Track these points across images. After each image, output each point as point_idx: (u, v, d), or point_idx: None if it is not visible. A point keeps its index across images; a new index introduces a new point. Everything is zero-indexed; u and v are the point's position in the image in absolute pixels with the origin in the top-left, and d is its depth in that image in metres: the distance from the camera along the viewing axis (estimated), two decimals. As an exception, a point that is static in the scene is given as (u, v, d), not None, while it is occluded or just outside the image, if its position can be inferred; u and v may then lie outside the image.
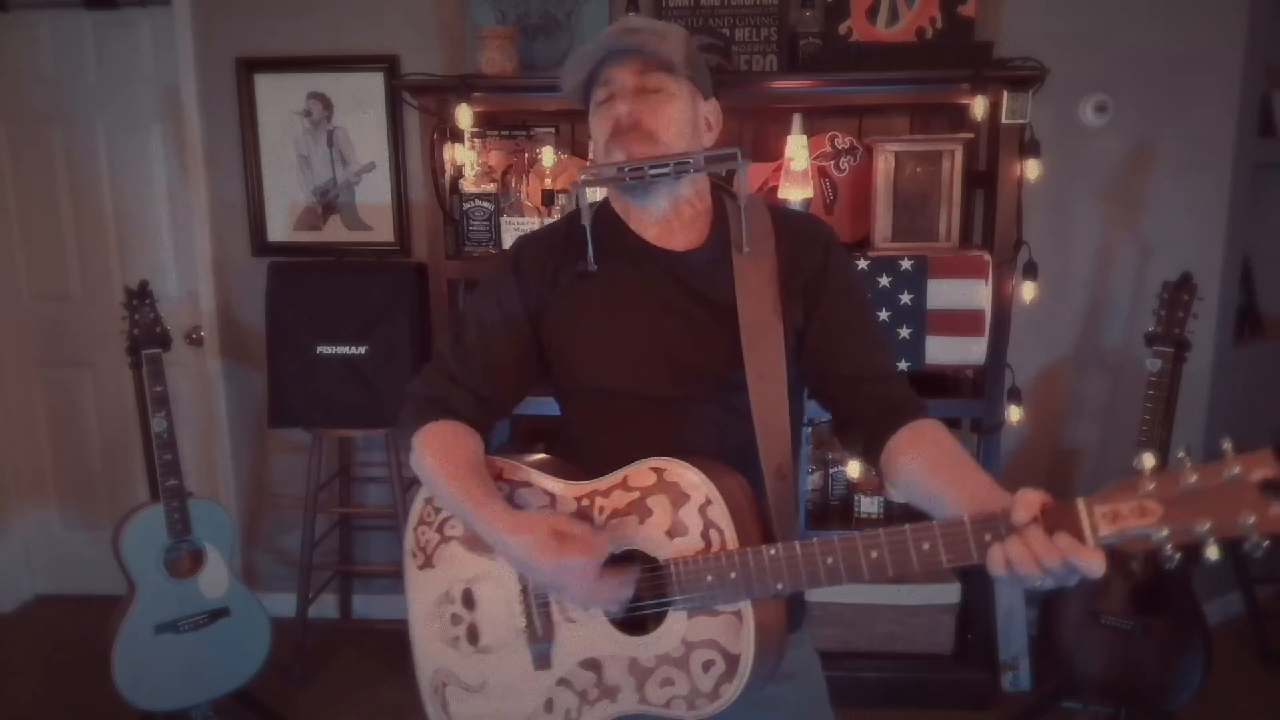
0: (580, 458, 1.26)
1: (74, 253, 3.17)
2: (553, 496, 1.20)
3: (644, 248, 1.25)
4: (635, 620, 1.14)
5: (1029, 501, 0.89)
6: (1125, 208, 2.77)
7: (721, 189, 1.31)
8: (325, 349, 2.75)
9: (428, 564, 1.29)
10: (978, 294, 2.40)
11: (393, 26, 2.83)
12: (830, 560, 1.00)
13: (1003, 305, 2.47)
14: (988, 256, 2.42)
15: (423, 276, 2.71)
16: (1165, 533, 0.83)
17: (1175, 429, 2.32)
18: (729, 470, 1.12)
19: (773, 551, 1.03)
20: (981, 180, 2.59)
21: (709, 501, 1.08)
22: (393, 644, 2.99)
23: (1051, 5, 2.66)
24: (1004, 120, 2.39)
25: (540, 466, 1.24)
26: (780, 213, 1.29)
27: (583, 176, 1.21)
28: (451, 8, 2.79)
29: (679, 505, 1.09)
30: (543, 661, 1.20)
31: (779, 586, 1.03)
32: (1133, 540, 0.85)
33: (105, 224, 3.14)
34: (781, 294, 1.20)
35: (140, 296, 2.39)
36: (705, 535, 1.08)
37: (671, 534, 1.09)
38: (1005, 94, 2.37)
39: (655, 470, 1.11)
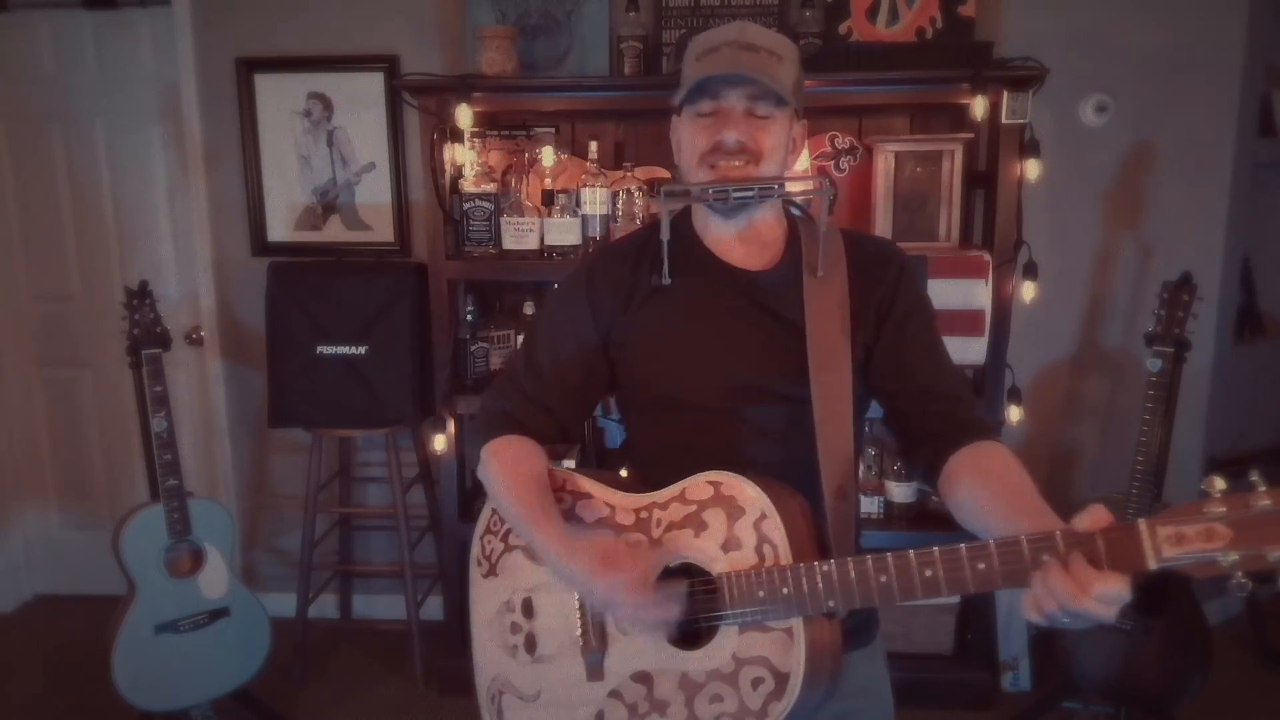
0: (645, 471, 1.27)
1: (74, 253, 3.17)
2: (612, 508, 1.20)
3: (718, 265, 1.25)
4: (688, 634, 1.14)
5: (1095, 514, 0.86)
6: (1125, 208, 2.77)
7: (797, 211, 1.32)
8: (325, 349, 2.75)
9: (492, 572, 1.30)
10: (978, 294, 2.40)
11: (393, 26, 2.83)
12: (884, 578, 0.99)
13: (1003, 305, 2.47)
14: (988, 256, 2.42)
15: (423, 276, 2.71)
16: (1235, 558, 0.79)
17: (1175, 429, 2.32)
18: (788, 488, 1.12)
19: (825, 568, 1.03)
20: (981, 180, 2.59)
21: (764, 516, 1.07)
22: (393, 644, 2.99)
23: (1051, 5, 2.66)
24: (1004, 120, 2.39)
25: (602, 480, 1.25)
26: (853, 237, 1.29)
27: (665, 192, 1.21)
28: (451, 8, 2.79)
29: (734, 519, 1.09)
30: (595, 673, 1.20)
31: (830, 604, 1.03)
32: (1198, 565, 0.81)
33: (105, 224, 3.14)
34: (852, 317, 1.20)
35: (140, 296, 2.38)
36: (759, 550, 1.07)
37: (726, 548, 1.09)
38: (1005, 94, 2.37)
39: (712, 484, 1.11)
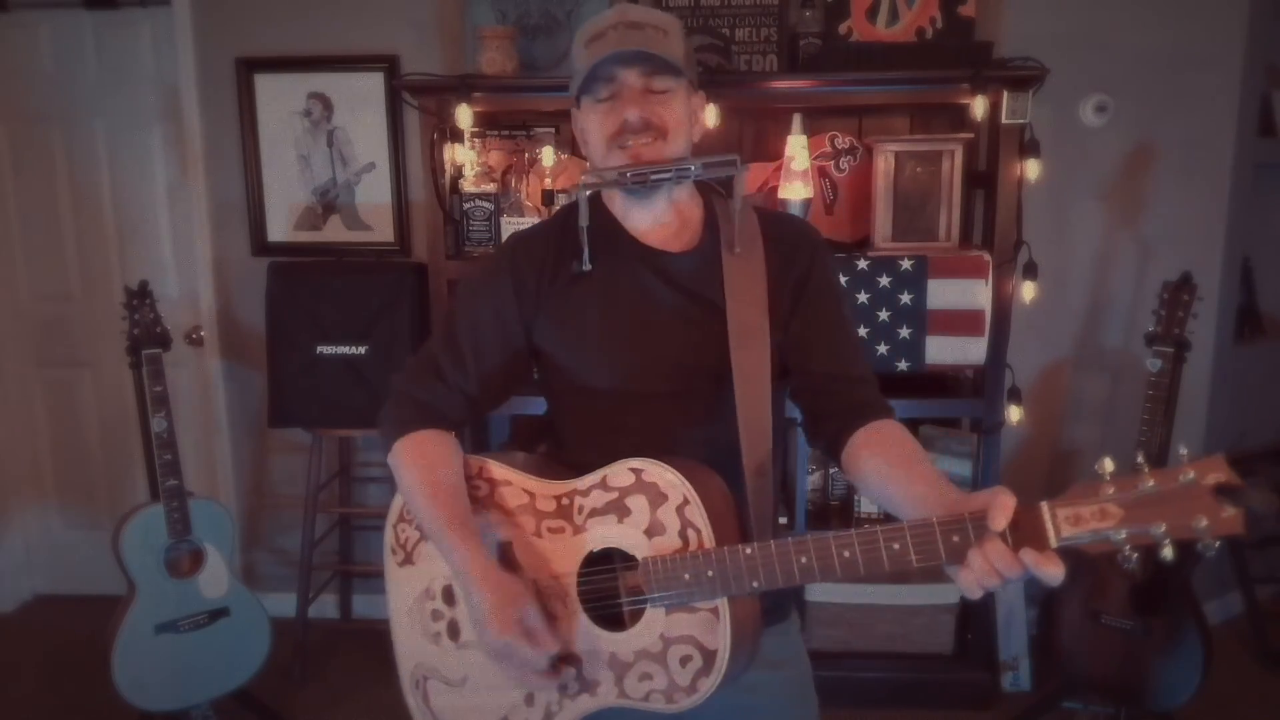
0: (569, 455, 1.27)
1: (74, 253, 3.17)
2: (532, 495, 1.21)
3: (638, 248, 1.26)
4: (614, 616, 1.15)
5: (1004, 506, 0.90)
6: (1125, 208, 2.77)
7: (713, 190, 1.32)
8: (325, 349, 2.75)
9: (408, 560, 1.30)
10: (978, 294, 2.40)
11: (393, 26, 2.83)
12: (804, 559, 1.03)
13: (1003, 305, 2.47)
14: (988, 256, 2.42)
15: (423, 276, 2.71)
16: (1123, 535, 0.87)
17: (1175, 429, 2.32)
18: (707, 471, 1.14)
19: (749, 550, 1.05)
20: (981, 180, 2.59)
21: (686, 501, 1.09)
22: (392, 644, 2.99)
23: (1051, 5, 2.66)
24: (1004, 120, 2.39)
25: (518, 465, 1.25)
26: (768, 215, 1.31)
27: (585, 179, 1.21)
28: (451, 8, 2.79)
29: (657, 505, 1.11)
30: None
31: (755, 584, 1.05)
32: (1093, 543, 0.88)
33: (105, 224, 3.14)
34: (770, 295, 1.22)
35: (140, 296, 2.39)
36: (683, 534, 1.09)
37: (650, 533, 1.11)
38: (1005, 94, 2.36)
39: (634, 470, 1.13)
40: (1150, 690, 2.29)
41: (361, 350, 2.74)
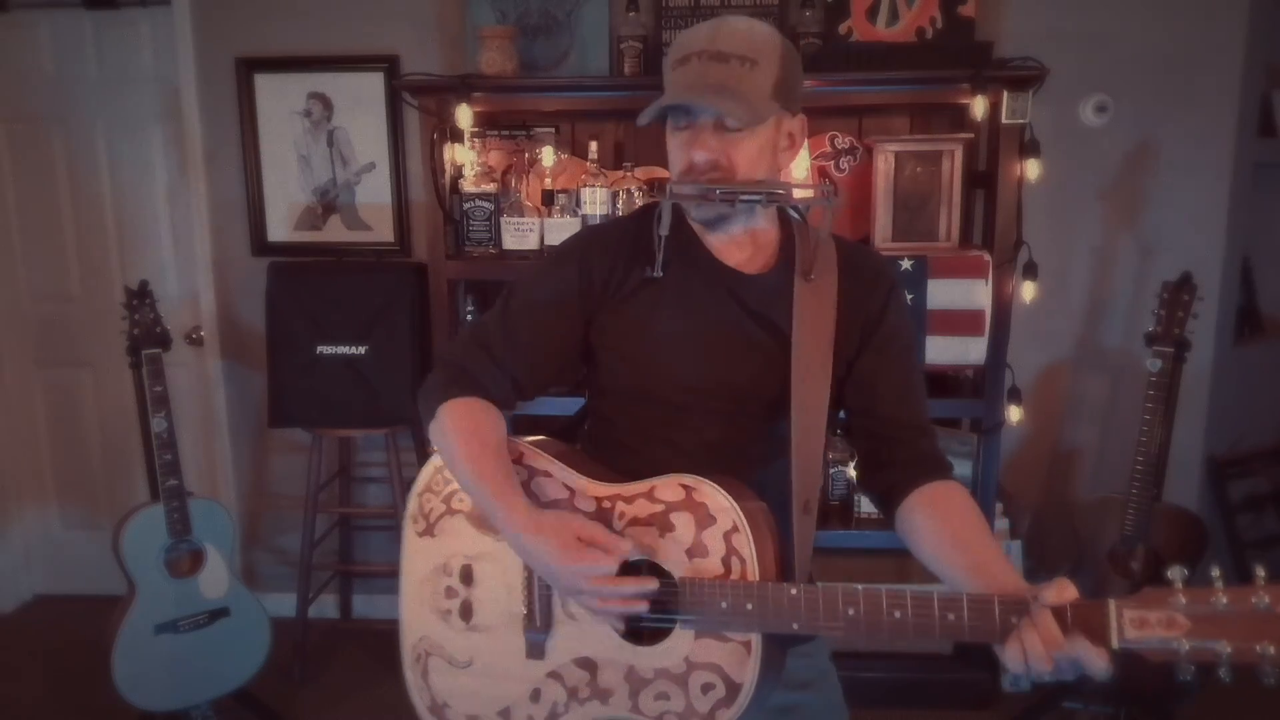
0: (606, 455, 1.25)
1: (74, 253, 3.17)
2: (572, 491, 1.19)
3: (713, 263, 1.23)
4: (637, 629, 1.14)
5: (1065, 586, 0.90)
6: (1125, 208, 2.77)
7: (792, 214, 1.30)
8: (325, 349, 2.75)
9: (428, 532, 1.29)
10: (978, 294, 2.40)
11: (393, 26, 2.83)
12: (851, 611, 1.00)
13: (1003, 305, 2.47)
14: (988, 256, 2.42)
15: (423, 276, 2.71)
16: (1186, 647, 0.85)
17: (1175, 429, 2.33)
18: (758, 500, 1.11)
19: (794, 591, 1.03)
20: (981, 180, 2.58)
21: (735, 529, 1.07)
22: (393, 644, 2.97)
23: (1051, 5, 2.66)
24: (1004, 120, 2.39)
25: (563, 458, 1.22)
26: (847, 246, 1.27)
27: (673, 189, 1.17)
28: (451, 8, 2.79)
29: (704, 527, 1.08)
30: (536, 651, 1.20)
31: (794, 626, 1.03)
32: (1154, 650, 0.87)
33: (105, 224, 3.14)
34: (838, 329, 1.19)
35: (140, 296, 2.39)
36: (726, 561, 1.07)
37: (691, 554, 1.09)
38: (1005, 94, 2.36)
39: (685, 487, 1.10)
40: (1150, 690, 2.29)
41: (361, 350, 2.74)
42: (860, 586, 1.00)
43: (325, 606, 3.12)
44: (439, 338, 2.63)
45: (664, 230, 1.19)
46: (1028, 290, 2.52)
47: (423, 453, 2.98)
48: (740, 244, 1.24)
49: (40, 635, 3.15)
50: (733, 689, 1.07)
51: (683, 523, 1.10)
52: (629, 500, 1.14)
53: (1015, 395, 2.59)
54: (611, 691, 1.14)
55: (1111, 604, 0.88)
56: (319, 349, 2.75)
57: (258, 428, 3.12)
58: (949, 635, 0.95)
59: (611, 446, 1.27)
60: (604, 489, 1.17)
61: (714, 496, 1.08)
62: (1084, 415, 2.90)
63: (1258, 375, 3.10)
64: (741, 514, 1.07)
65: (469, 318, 2.71)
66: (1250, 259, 3.04)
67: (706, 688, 1.08)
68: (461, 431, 1.19)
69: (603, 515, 1.15)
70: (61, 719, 2.67)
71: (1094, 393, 2.88)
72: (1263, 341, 3.12)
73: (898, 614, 0.97)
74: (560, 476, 1.20)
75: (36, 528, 3.37)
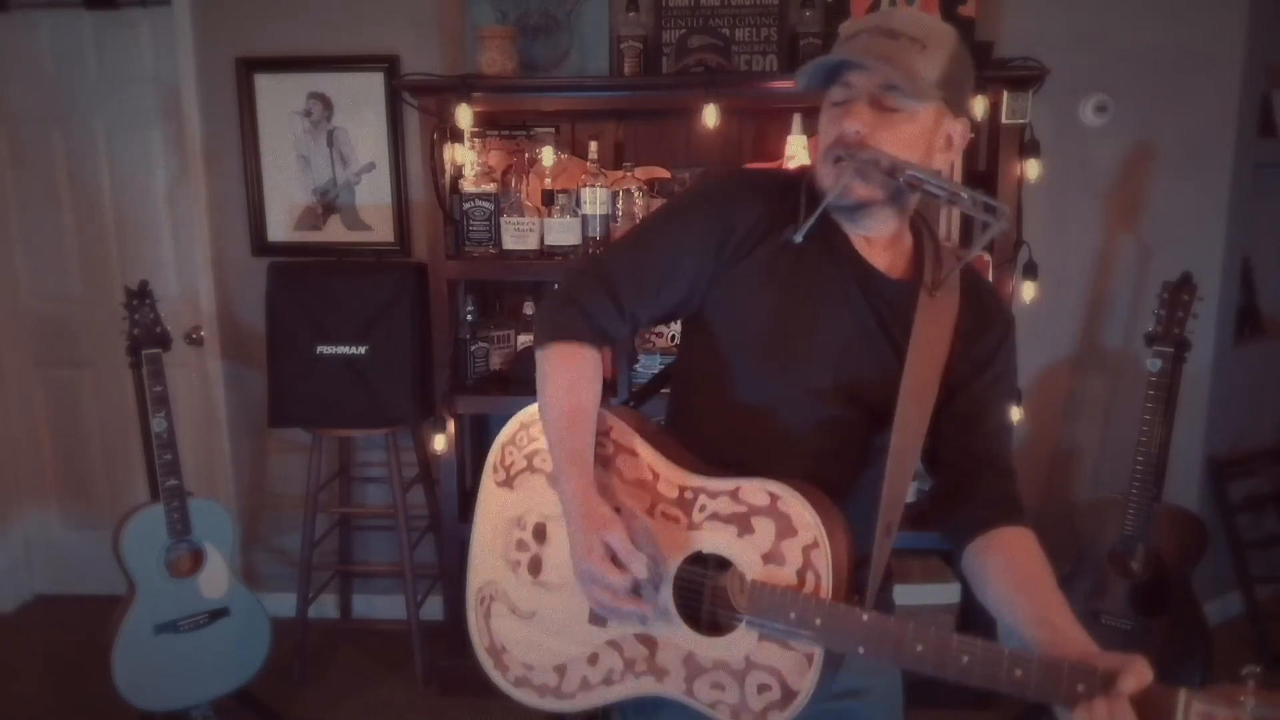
0: (686, 438, 1.23)
1: (74, 253, 3.17)
2: (656, 476, 1.17)
3: (853, 255, 1.18)
4: (699, 617, 1.14)
5: (1140, 675, 0.89)
6: (1125, 208, 2.77)
7: (925, 226, 1.27)
8: (325, 349, 2.75)
9: (507, 484, 1.29)
10: (978, 294, 2.40)
11: (393, 26, 2.83)
12: (920, 648, 1.00)
13: (1003, 305, 2.46)
14: (988, 256, 2.42)
15: (423, 276, 2.71)
16: None
17: (1175, 429, 2.33)
18: (841, 518, 1.10)
19: (865, 618, 1.03)
20: (981, 180, 2.58)
21: (815, 545, 1.06)
22: (393, 644, 2.99)
23: (1051, 5, 2.66)
24: (1004, 120, 2.39)
25: (648, 438, 1.20)
26: (973, 275, 1.24)
27: (861, 155, 1.08)
28: (451, 8, 2.79)
29: (784, 536, 1.08)
30: (599, 619, 1.19)
31: (859, 650, 1.03)
32: None
33: (105, 224, 3.14)
34: (950, 356, 1.17)
35: (140, 296, 2.39)
36: (801, 574, 1.06)
37: (767, 559, 1.08)
38: (1005, 94, 2.37)
39: (770, 495, 1.09)
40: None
41: (361, 350, 2.74)
42: (933, 627, 1.01)
43: (325, 606, 3.12)
44: (439, 338, 2.63)
45: (830, 197, 1.11)
46: (1028, 290, 2.52)
47: (423, 452, 2.98)
48: (884, 244, 1.20)
49: (40, 635, 3.15)
50: (788, 695, 1.07)
51: (763, 528, 1.09)
52: (712, 496, 1.13)
53: (1015, 395, 2.58)
54: (668, 672, 1.14)
55: (1182, 695, 0.89)
56: (319, 349, 2.75)
57: (257, 428, 3.12)
58: (1013, 689, 0.96)
59: (693, 429, 1.23)
60: (689, 479, 1.15)
61: (800, 510, 1.07)
62: (1084, 415, 2.90)
63: (1258, 375, 3.10)
64: (824, 532, 1.06)
65: (469, 318, 2.71)
66: (1250, 259, 3.04)
67: (763, 689, 1.08)
68: (560, 383, 1.19)
69: (683, 504, 1.15)
70: (61, 719, 2.67)
71: (1094, 393, 2.88)
72: (1263, 341, 3.12)
73: (965, 659, 0.98)
74: (646, 458, 1.19)
75: (36, 528, 3.37)
